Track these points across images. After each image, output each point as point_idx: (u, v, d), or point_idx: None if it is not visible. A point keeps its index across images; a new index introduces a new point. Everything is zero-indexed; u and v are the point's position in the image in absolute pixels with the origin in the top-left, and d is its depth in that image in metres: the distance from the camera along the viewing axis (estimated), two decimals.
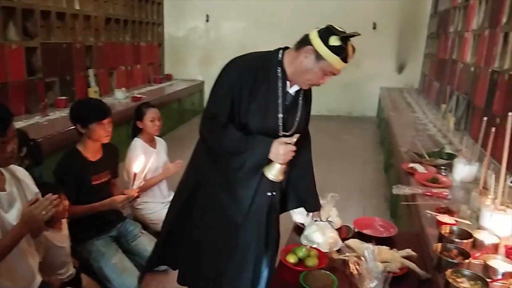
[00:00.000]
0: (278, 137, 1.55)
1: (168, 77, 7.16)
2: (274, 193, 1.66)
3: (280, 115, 1.58)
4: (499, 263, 1.35)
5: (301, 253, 1.61)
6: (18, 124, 3.36)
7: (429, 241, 1.58)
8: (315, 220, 1.80)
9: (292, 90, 1.61)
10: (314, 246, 1.69)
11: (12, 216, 1.52)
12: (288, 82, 1.59)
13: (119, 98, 4.85)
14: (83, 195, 2.24)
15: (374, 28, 7.06)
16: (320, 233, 1.73)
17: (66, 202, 2.04)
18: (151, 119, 2.78)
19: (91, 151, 2.32)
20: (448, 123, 3.66)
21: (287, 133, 1.59)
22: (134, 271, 2.27)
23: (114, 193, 2.43)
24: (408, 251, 1.56)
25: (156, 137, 2.92)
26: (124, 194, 2.28)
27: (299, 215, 1.93)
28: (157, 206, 2.84)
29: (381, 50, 7.12)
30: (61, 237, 2.06)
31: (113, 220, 2.45)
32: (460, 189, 2.13)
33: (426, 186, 2.15)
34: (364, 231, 1.80)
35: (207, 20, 7.23)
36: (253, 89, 1.54)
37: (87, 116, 2.24)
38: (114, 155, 2.48)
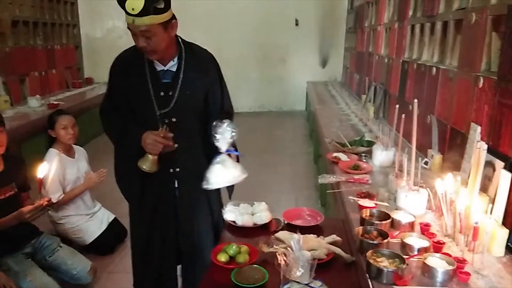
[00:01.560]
0: (155, 117, 1.69)
1: (89, 81, 6.79)
2: (177, 169, 1.79)
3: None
4: (414, 240, 1.44)
5: (232, 250, 1.59)
6: None
7: (352, 226, 1.64)
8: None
9: (165, 67, 1.71)
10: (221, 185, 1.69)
11: None
12: (157, 62, 1.70)
13: (33, 106, 4.49)
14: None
15: (296, 24, 7.27)
16: (222, 166, 1.65)
17: None
18: (62, 127, 2.61)
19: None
20: (368, 112, 3.87)
21: (163, 112, 1.70)
22: (53, 285, 2.13)
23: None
24: (334, 237, 1.61)
25: (74, 146, 2.75)
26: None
27: (230, 213, 1.91)
28: (81, 219, 2.69)
29: (305, 45, 7.35)
30: None
31: (25, 235, 2.26)
32: (380, 174, 2.25)
33: (349, 173, 2.25)
34: (293, 222, 1.83)
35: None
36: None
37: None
38: (19, 166, 2.26)
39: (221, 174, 1.65)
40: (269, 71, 7.50)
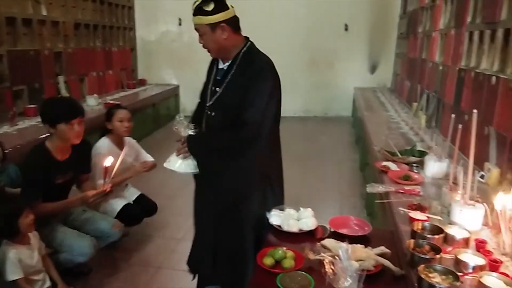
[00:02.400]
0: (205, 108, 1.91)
1: (142, 82, 7.06)
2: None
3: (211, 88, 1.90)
4: (469, 257, 1.38)
5: (277, 255, 1.61)
6: None
7: (402, 238, 1.60)
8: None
9: (223, 66, 1.89)
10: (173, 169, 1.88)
11: None
12: (220, 60, 1.90)
13: (91, 104, 4.75)
14: (45, 193, 2.19)
15: (346, 29, 7.17)
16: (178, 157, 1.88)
17: (32, 216, 1.98)
18: (119, 120, 2.75)
19: (60, 150, 2.27)
20: (419, 121, 3.75)
21: (208, 104, 1.89)
22: (82, 234, 2.33)
23: (86, 188, 2.42)
24: (382, 249, 1.58)
25: (127, 139, 2.89)
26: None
27: (275, 217, 1.93)
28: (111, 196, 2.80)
29: (354, 51, 7.24)
30: (29, 253, 2.00)
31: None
32: (432, 186, 2.18)
33: (399, 183, 2.19)
34: (340, 230, 1.81)
35: (180, 24, 7.18)
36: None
37: (55, 116, 2.17)
38: (85, 152, 2.46)
39: (186, 160, 1.87)
40: (316, 76, 7.45)
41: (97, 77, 5.68)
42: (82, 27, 5.29)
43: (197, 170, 1.87)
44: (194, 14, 1.75)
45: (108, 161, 2.19)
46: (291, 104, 7.45)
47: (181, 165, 1.87)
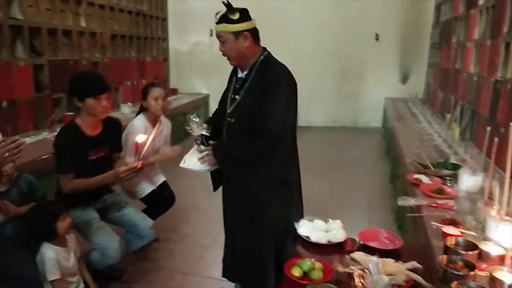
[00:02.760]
0: (225, 115, 1.98)
1: (174, 91, 7.23)
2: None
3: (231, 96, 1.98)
4: (505, 275, 1.34)
5: (306, 266, 1.60)
6: (26, 140, 3.41)
7: (434, 253, 1.57)
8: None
9: (241, 74, 1.96)
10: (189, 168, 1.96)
11: None
12: (239, 69, 1.97)
13: (125, 112, 4.90)
14: (79, 170, 2.24)
15: (377, 39, 7.11)
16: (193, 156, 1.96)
17: (69, 220, 2.06)
18: (154, 98, 2.80)
19: (90, 126, 2.28)
20: (453, 133, 3.66)
21: (228, 111, 1.97)
22: (114, 235, 2.34)
23: (118, 166, 2.41)
24: (414, 264, 1.55)
25: (163, 118, 2.95)
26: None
27: (303, 227, 1.92)
28: (142, 178, 2.86)
29: (384, 60, 7.15)
30: (66, 255, 2.08)
31: (99, 191, 2.44)
32: (466, 200, 2.12)
33: (431, 197, 2.14)
34: (369, 244, 1.79)
35: (211, 35, 7.31)
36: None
37: (83, 90, 2.19)
38: (116, 129, 2.48)
39: (193, 158, 1.95)
40: (345, 85, 7.39)
41: (131, 86, 5.86)
42: (118, 38, 5.48)
43: (213, 167, 1.95)
44: (219, 22, 1.83)
45: (140, 138, 2.21)
46: (319, 114, 7.43)
47: (196, 163, 1.95)
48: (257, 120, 1.82)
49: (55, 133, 3.68)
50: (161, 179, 3.09)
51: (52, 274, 1.98)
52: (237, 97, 1.93)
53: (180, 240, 3.14)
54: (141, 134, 2.27)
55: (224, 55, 1.90)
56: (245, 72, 1.93)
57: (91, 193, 2.36)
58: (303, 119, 7.50)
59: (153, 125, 2.85)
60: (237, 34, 1.82)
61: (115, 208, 2.54)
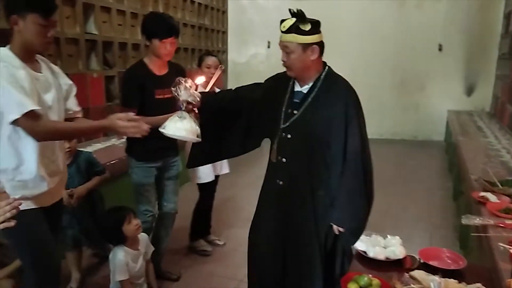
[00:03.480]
0: (277, 129, 1.87)
1: None
2: (281, 183, 1.88)
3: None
4: None
5: (363, 282, 1.59)
6: (96, 146, 3.68)
7: (501, 276, 1.49)
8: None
9: (301, 88, 1.85)
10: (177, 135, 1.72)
11: (48, 99, 1.70)
12: (297, 83, 1.87)
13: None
14: (146, 109, 2.27)
15: (440, 49, 6.84)
16: (179, 118, 1.70)
17: (136, 221, 2.19)
18: (207, 66, 2.91)
19: (156, 65, 2.34)
20: None
21: (283, 126, 1.85)
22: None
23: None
24: (479, 286, 1.48)
25: (216, 88, 3.01)
26: None
27: (360, 242, 1.90)
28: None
29: (448, 72, 6.86)
30: (136, 257, 2.22)
31: (165, 148, 2.44)
32: None
33: (499, 216, 2.03)
34: (430, 262, 1.73)
35: (269, 46, 7.45)
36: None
37: (151, 30, 2.26)
38: (181, 73, 2.41)
39: (177, 123, 1.71)
40: (406, 97, 7.17)
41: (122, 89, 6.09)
42: (181, 51, 5.75)
43: (197, 138, 1.75)
44: (287, 32, 1.72)
45: (199, 79, 2.07)
46: (377, 125, 7.24)
47: (177, 129, 1.71)
48: (321, 137, 1.77)
49: (123, 140, 3.98)
50: (224, 170, 3.08)
51: (121, 275, 2.12)
52: (295, 112, 1.83)
53: (236, 247, 3.19)
54: (201, 76, 2.10)
55: (285, 65, 1.81)
56: (307, 86, 1.84)
57: (156, 148, 2.37)
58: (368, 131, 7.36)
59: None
60: (306, 46, 1.73)
61: (170, 173, 2.57)
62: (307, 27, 1.71)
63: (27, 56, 1.66)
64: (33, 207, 1.72)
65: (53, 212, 1.85)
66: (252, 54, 7.65)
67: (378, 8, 6.89)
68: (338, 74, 1.89)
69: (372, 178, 1.84)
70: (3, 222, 1.13)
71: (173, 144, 2.50)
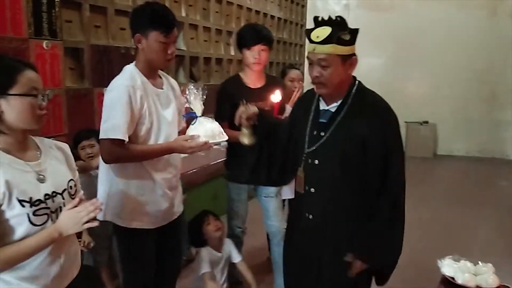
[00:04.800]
0: (302, 154, 1.64)
1: None
2: (310, 216, 1.64)
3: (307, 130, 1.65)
4: None
5: None
6: (180, 156, 3.90)
7: None
8: None
9: (327, 107, 1.63)
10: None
11: (168, 114, 1.78)
12: (322, 100, 1.65)
13: None
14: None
15: None
16: (198, 124, 1.72)
17: (216, 223, 2.31)
18: (290, 79, 2.92)
19: (251, 78, 2.27)
20: None
21: (309, 150, 1.62)
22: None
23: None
24: None
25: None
26: None
27: (448, 267, 1.82)
28: None
29: None
30: (218, 260, 2.34)
31: (253, 170, 2.19)
32: None
33: None
34: None
35: None
36: None
37: (240, 40, 2.24)
38: (277, 85, 2.25)
39: (199, 128, 1.72)
40: (497, 112, 6.64)
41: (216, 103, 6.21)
42: None
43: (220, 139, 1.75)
44: (326, 42, 1.47)
45: (276, 96, 1.90)
46: (463, 142, 6.81)
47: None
48: (355, 162, 1.55)
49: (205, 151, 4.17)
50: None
51: (204, 268, 2.26)
52: (322, 134, 1.59)
53: None
54: (277, 92, 1.95)
55: (317, 81, 1.53)
56: (335, 104, 1.60)
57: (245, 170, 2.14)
58: (442, 147, 6.96)
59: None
60: (346, 58, 1.51)
61: (265, 191, 2.42)
62: (347, 36, 1.49)
63: (150, 72, 1.75)
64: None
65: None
66: None
67: (465, 18, 6.50)
68: (370, 89, 1.66)
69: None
70: (87, 222, 1.21)
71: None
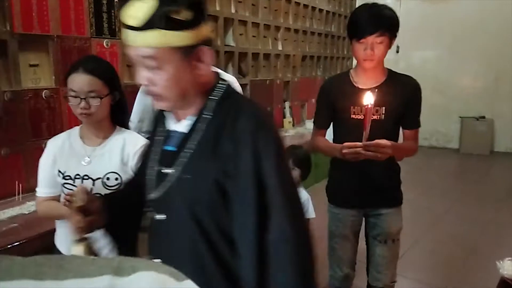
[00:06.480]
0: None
1: None
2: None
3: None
4: None
5: None
6: None
7: None
8: None
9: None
10: None
11: None
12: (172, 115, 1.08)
13: (309, 128, 5.20)
14: (341, 130, 1.81)
15: None
16: None
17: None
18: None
19: (362, 77, 1.77)
20: None
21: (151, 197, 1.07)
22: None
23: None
24: None
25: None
26: None
27: (508, 268, 1.73)
28: None
29: None
30: None
31: (366, 195, 1.81)
32: None
33: None
34: None
35: (397, 51, 7.12)
36: None
37: (348, 28, 1.71)
38: (412, 91, 1.77)
39: None
40: None
41: (315, 103, 6.18)
42: (307, 59, 5.89)
43: None
44: (146, 28, 0.90)
45: (367, 99, 1.57)
46: (505, 136, 6.39)
47: None
48: None
49: None
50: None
51: None
52: (168, 170, 1.12)
53: None
54: (367, 95, 1.59)
55: (148, 92, 0.98)
56: (187, 122, 1.04)
57: (353, 193, 1.82)
58: (500, 143, 6.59)
59: None
60: (188, 50, 0.94)
61: (374, 231, 1.89)
62: (186, 12, 0.89)
63: None
64: None
65: None
66: None
67: None
68: (240, 94, 1.21)
69: None
70: None
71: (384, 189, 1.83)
